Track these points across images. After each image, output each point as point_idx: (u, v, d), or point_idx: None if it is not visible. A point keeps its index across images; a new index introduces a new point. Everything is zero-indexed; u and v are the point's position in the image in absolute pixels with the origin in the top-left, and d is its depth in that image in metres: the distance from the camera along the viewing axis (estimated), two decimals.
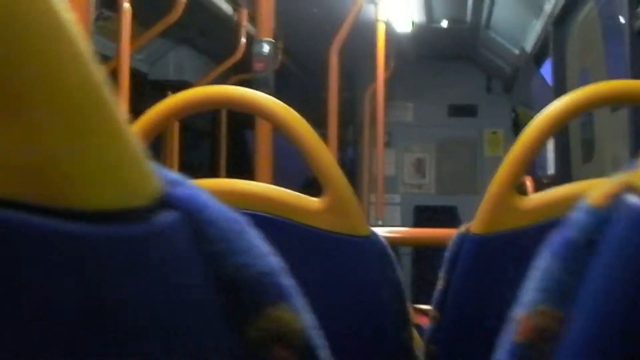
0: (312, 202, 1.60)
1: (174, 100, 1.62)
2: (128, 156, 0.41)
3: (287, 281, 0.56)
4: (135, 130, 1.61)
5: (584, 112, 1.64)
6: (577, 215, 0.56)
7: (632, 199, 0.48)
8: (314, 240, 1.59)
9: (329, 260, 1.60)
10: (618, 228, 0.50)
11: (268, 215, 1.58)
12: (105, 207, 0.39)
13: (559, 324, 0.55)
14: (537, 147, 1.61)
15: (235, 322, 0.51)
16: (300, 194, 1.61)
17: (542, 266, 0.58)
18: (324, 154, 1.59)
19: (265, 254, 0.54)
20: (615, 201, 0.52)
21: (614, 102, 1.68)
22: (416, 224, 10.08)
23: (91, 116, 0.38)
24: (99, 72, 0.39)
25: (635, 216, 0.47)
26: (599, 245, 0.52)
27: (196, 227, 0.49)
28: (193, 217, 0.49)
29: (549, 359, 0.56)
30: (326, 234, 1.58)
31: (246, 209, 1.58)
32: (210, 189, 1.51)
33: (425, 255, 9.16)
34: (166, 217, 0.44)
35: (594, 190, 0.55)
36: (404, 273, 8.38)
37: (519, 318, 0.59)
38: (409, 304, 3.03)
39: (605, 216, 0.52)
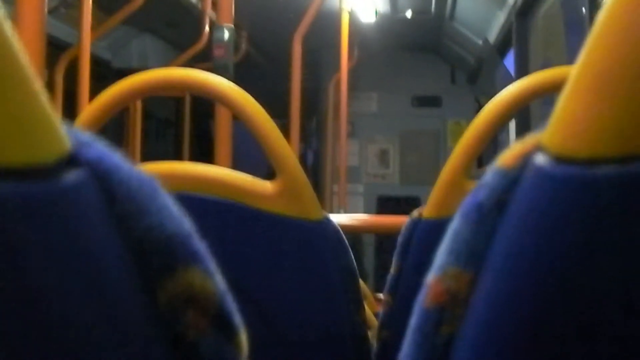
0: (265, 185, 1.59)
1: (129, 83, 1.61)
2: (33, 110, 0.40)
3: (199, 244, 0.55)
4: (93, 110, 1.60)
5: (539, 97, 1.64)
6: (487, 177, 0.55)
7: (539, 158, 0.48)
8: (265, 223, 1.58)
9: (281, 244, 1.60)
10: (525, 188, 0.50)
11: (219, 199, 1.58)
12: (5, 163, 0.39)
13: (469, 286, 0.55)
14: (490, 133, 1.62)
15: (147, 285, 0.51)
16: (252, 177, 1.61)
17: (452, 229, 0.58)
18: (277, 138, 1.58)
19: (176, 216, 0.53)
20: (524, 161, 0.52)
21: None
22: (379, 214, 10.09)
23: None
24: (5, 30, 0.39)
25: (542, 175, 0.47)
26: (508, 205, 0.52)
27: (106, 188, 0.48)
28: (103, 177, 0.48)
29: (461, 321, 0.56)
30: (278, 217, 1.58)
31: (197, 192, 1.58)
32: (161, 172, 1.50)
33: (388, 245, 9.14)
34: (73, 175, 0.44)
35: (506, 151, 0.55)
36: (367, 262, 8.40)
37: (430, 282, 0.59)
38: (369, 295, 3.03)
39: (514, 176, 0.52)
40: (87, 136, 0.49)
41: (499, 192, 0.53)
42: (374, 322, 2.81)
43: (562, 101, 0.46)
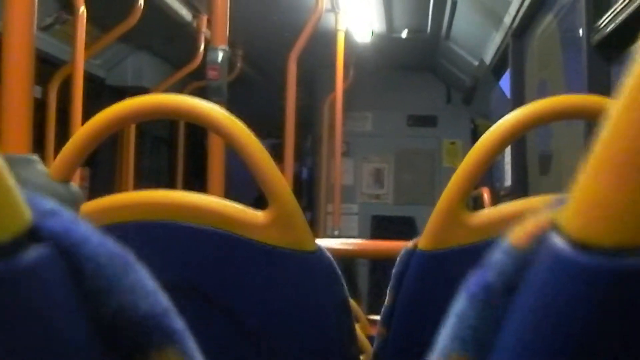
0: (257, 215, 1.56)
1: (120, 108, 1.58)
2: None
3: (176, 322, 0.50)
4: (81, 136, 1.57)
5: (536, 127, 1.62)
6: (496, 256, 0.51)
7: (555, 239, 0.44)
8: (257, 254, 1.55)
9: (274, 275, 1.57)
10: (538, 272, 0.46)
11: (211, 229, 1.55)
12: None
13: None
14: (487, 163, 1.59)
15: None
16: (243, 207, 1.58)
17: (457, 311, 0.53)
18: (269, 167, 1.55)
19: (151, 292, 0.49)
20: (537, 241, 0.48)
21: (566, 117, 1.66)
22: (374, 234, 10.06)
23: None
24: None
25: (557, 259, 0.43)
26: (518, 290, 0.48)
27: (72, 264, 0.44)
28: (69, 251, 0.44)
29: None
30: (270, 248, 1.55)
31: (189, 222, 1.55)
32: (154, 202, 1.47)
33: (382, 266, 9.14)
34: (36, 252, 0.40)
35: (517, 228, 0.51)
36: (360, 283, 8.38)
37: None
38: (363, 317, 3.01)
39: (525, 258, 0.48)
40: (51, 204, 0.45)
41: (509, 274, 0.49)
42: (367, 346, 2.78)
43: (583, 180, 0.42)
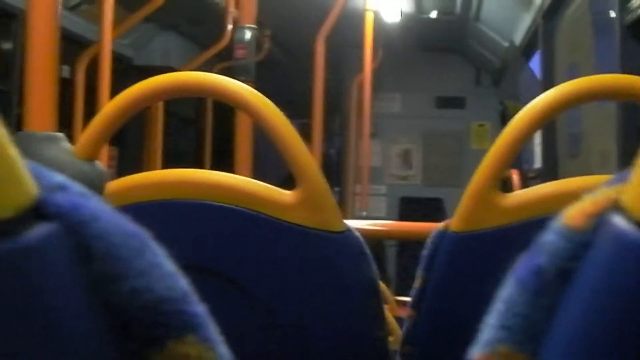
0: (285, 195, 1.54)
1: (146, 85, 1.56)
2: None
3: (196, 307, 0.46)
4: (106, 113, 1.56)
5: (570, 108, 1.58)
6: (548, 238, 0.46)
7: (618, 220, 0.40)
8: (285, 234, 1.53)
9: (302, 255, 1.55)
10: (600, 256, 0.41)
11: (240, 208, 1.53)
12: None
13: None
14: (520, 144, 1.56)
15: (131, 358, 0.44)
16: (272, 187, 1.56)
17: (505, 297, 0.49)
18: (298, 147, 1.53)
19: (168, 275, 0.45)
20: (597, 222, 0.43)
21: (601, 97, 1.62)
22: (401, 215, 10.06)
23: None
24: None
25: (622, 241, 0.39)
26: (575, 275, 0.44)
27: (81, 243, 0.41)
28: (77, 230, 0.41)
29: None
30: (299, 228, 1.53)
31: (217, 201, 1.53)
32: (179, 180, 1.45)
33: (410, 247, 9.13)
34: (41, 229, 0.37)
35: (571, 207, 0.46)
36: (389, 264, 8.40)
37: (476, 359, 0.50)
38: (391, 299, 2.99)
39: (583, 240, 0.44)
40: (59, 178, 0.41)
41: (563, 257, 0.45)
42: (395, 327, 2.76)
43: None
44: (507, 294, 0.48)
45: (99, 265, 0.41)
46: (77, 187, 0.41)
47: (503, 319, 0.47)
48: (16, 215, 0.35)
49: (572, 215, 0.45)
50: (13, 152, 0.35)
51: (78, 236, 0.40)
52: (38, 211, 0.37)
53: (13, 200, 0.35)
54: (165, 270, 0.44)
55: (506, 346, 0.47)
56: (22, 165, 0.36)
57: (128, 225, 0.43)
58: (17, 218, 0.35)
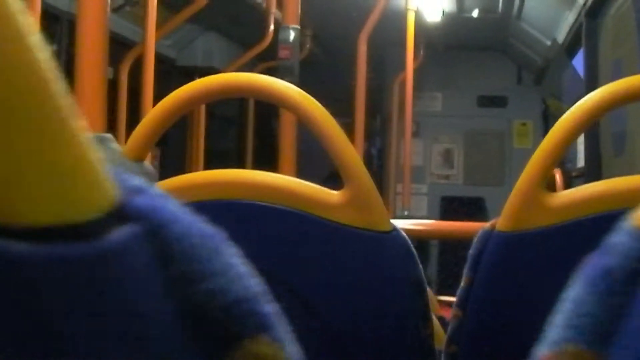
0: (332, 195, 1.55)
1: (194, 87, 1.58)
2: (74, 161, 0.34)
3: (269, 308, 0.47)
4: (154, 115, 1.57)
5: (617, 108, 1.58)
6: (618, 239, 0.46)
7: None
8: (333, 234, 1.54)
9: (349, 255, 1.56)
10: None
11: (286, 208, 1.54)
12: (46, 222, 0.33)
13: None
14: (567, 143, 1.55)
15: (207, 357, 0.44)
16: (319, 187, 1.57)
17: (573, 297, 0.49)
18: (346, 146, 1.54)
19: (243, 276, 0.46)
20: None
21: None
22: (443, 215, 10.03)
23: (27, 115, 0.31)
24: (44, 67, 0.33)
25: None
26: None
27: (160, 244, 0.41)
28: (157, 232, 0.41)
29: None
30: (346, 228, 1.53)
31: (264, 201, 1.54)
32: (225, 181, 1.46)
33: (452, 246, 9.10)
34: (122, 232, 0.37)
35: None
36: (430, 264, 8.38)
37: (543, 359, 0.50)
38: (433, 298, 2.98)
39: None
40: (138, 181, 0.42)
41: (634, 258, 0.45)
42: (438, 327, 2.76)
43: None
44: (575, 293, 0.48)
45: (179, 267, 0.42)
46: (155, 190, 0.42)
47: (571, 319, 0.47)
48: (98, 218, 0.36)
49: None
50: (95, 155, 0.36)
51: (158, 238, 0.41)
52: (119, 214, 0.38)
53: (95, 203, 0.36)
54: (240, 270, 0.45)
55: (574, 345, 0.47)
56: (103, 168, 0.37)
57: (205, 226, 0.44)
58: (99, 221, 0.36)
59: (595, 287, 0.47)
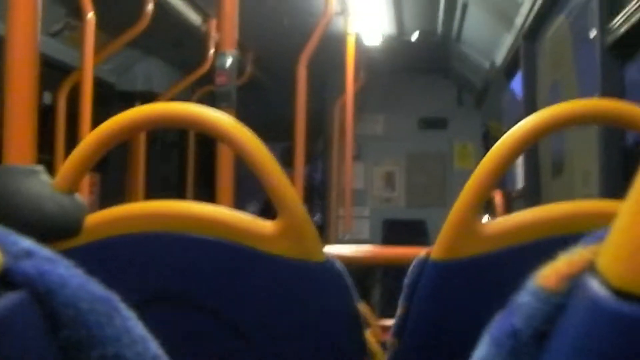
0: (265, 226, 1.54)
1: (125, 117, 1.56)
2: None
3: None
4: (88, 144, 1.55)
5: (552, 133, 1.58)
6: (523, 299, 0.46)
7: (592, 284, 0.39)
8: (266, 265, 1.52)
9: (282, 286, 1.54)
10: (575, 321, 0.41)
11: (218, 240, 1.52)
12: None
13: None
14: (500, 172, 1.55)
15: None
16: (253, 218, 1.55)
17: (479, 357, 0.48)
18: (278, 177, 1.52)
19: (138, 339, 0.44)
20: (571, 284, 0.43)
21: (583, 121, 1.62)
22: (385, 238, 10.04)
23: None
24: None
25: (596, 306, 0.38)
26: (550, 337, 0.44)
27: (48, 311, 0.40)
28: (44, 298, 0.39)
29: None
30: (278, 259, 1.52)
31: (197, 233, 1.53)
32: (160, 213, 1.44)
33: (394, 269, 9.10)
34: (7, 300, 0.35)
35: (545, 268, 0.45)
36: (375, 286, 8.33)
37: None
38: (375, 325, 2.97)
39: (558, 303, 0.43)
40: (26, 243, 0.40)
41: (538, 318, 0.45)
42: (379, 352, 2.75)
43: (622, 224, 0.37)
44: (482, 353, 0.47)
45: (67, 333, 0.40)
46: (45, 252, 0.40)
47: None
48: None
49: (547, 275, 0.44)
50: None
51: (46, 304, 0.39)
52: (5, 280, 0.36)
53: None
54: (135, 335, 0.44)
55: None
56: None
57: (97, 289, 0.42)
58: None
59: (501, 347, 0.46)
